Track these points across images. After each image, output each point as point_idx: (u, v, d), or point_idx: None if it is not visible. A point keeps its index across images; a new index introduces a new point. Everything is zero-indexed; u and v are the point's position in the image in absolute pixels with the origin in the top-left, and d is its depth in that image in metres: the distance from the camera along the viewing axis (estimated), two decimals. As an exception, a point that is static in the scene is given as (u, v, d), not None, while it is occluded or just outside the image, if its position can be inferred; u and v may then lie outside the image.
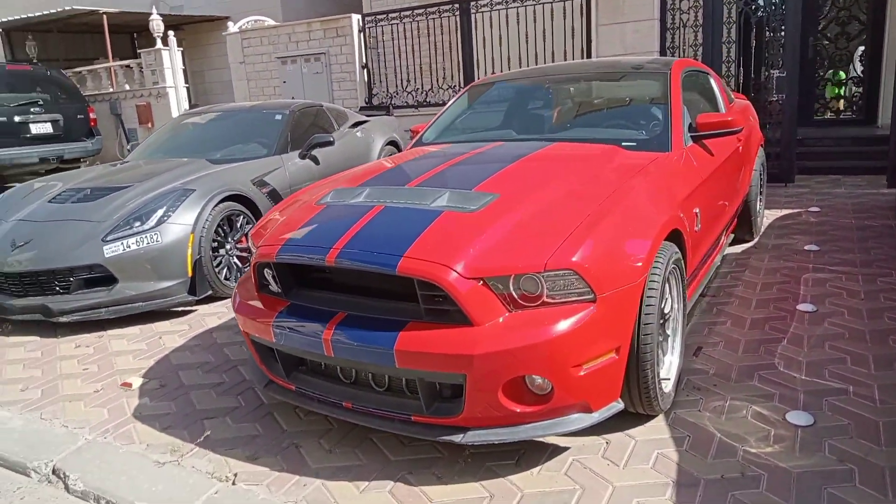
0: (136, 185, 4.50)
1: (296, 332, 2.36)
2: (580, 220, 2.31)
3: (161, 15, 11.35)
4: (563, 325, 2.12)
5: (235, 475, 2.43)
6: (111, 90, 11.75)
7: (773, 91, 6.63)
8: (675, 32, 7.09)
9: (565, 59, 7.65)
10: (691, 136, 3.31)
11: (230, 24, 9.84)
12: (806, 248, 4.62)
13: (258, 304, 2.56)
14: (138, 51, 11.30)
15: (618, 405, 2.34)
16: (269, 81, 9.63)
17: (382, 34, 9.14)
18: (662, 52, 7.19)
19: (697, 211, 3.00)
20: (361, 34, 8.86)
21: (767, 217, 5.54)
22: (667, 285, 2.66)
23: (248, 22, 10.11)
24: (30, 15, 12.29)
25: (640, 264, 2.30)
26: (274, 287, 2.54)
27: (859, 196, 6.15)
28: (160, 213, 4.14)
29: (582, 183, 2.63)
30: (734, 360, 3.03)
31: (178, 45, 10.85)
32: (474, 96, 4.18)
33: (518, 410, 2.17)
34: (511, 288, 2.15)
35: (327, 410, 2.45)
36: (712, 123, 3.28)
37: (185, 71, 13.24)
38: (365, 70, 8.90)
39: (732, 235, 4.57)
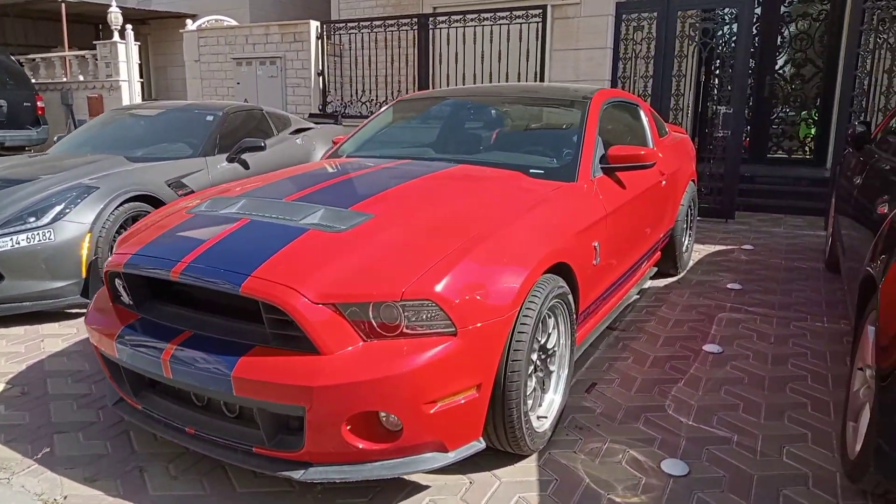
0: (43, 178, 4.28)
1: (137, 349, 2.19)
2: (452, 247, 2.19)
3: (123, 8, 11.10)
4: (416, 360, 1.98)
5: (65, 498, 2.23)
6: (64, 80, 11.42)
7: (720, 127, 6.65)
8: (628, 62, 7.09)
9: (519, 81, 7.61)
10: (602, 168, 3.23)
11: (188, 21, 9.63)
12: (728, 286, 4.57)
13: (109, 315, 2.38)
14: (94, 42, 11.01)
15: (478, 444, 2.21)
16: (223, 82, 9.43)
17: (341, 43, 9.03)
18: (614, 82, 7.19)
19: (597, 244, 2.90)
20: (319, 41, 8.73)
21: (699, 252, 5.51)
22: (550, 320, 2.56)
23: (207, 21, 9.92)
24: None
25: (510, 298, 2.18)
26: (125, 298, 2.36)
27: (796, 236, 6.17)
28: (57, 209, 3.93)
29: (468, 208, 2.51)
30: (625, 399, 2.92)
31: (142, 40, 10.61)
32: (400, 111, 4.06)
33: (363, 448, 2.03)
34: (370, 316, 2.02)
35: (170, 435, 2.27)
36: (623, 157, 3.20)
37: (145, 66, 12.99)
38: (320, 77, 8.76)
39: (655, 269, 4.51)
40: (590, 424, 2.71)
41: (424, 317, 2.03)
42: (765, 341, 3.59)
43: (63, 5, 11.55)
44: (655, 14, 6.79)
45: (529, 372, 2.42)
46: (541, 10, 7.31)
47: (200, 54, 9.53)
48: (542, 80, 7.49)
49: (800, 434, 2.64)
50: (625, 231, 3.36)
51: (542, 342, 2.53)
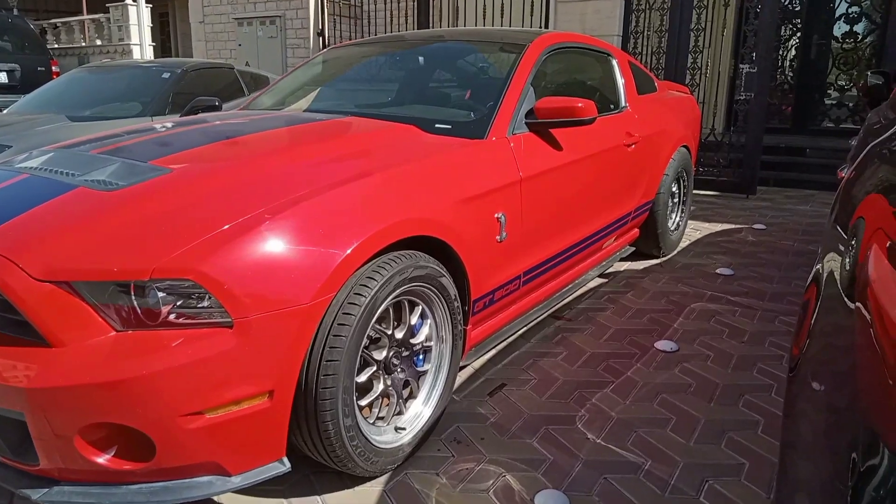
0: (-35, 136, 4.02)
1: None
2: (246, 213, 1.70)
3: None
4: (168, 359, 1.53)
5: None
6: (83, 44, 11.36)
7: (742, 89, 5.84)
8: (641, 14, 6.32)
9: (522, 39, 6.94)
10: (528, 124, 2.66)
11: (195, -20, 9.33)
12: (718, 270, 3.91)
13: None
14: (107, 5, 10.87)
15: (279, 466, 1.74)
16: (225, 44, 9.10)
17: (339, 4, 8.53)
18: (625, 36, 6.44)
19: (501, 216, 2.36)
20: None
21: (699, 231, 4.82)
22: (417, 308, 2.06)
23: (213, -20, 9.59)
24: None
25: (319, 281, 1.68)
26: None
27: (821, 216, 5.37)
28: (-39, 168, 3.64)
29: (304, 167, 2.01)
30: (532, 406, 2.40)
31: (170, 4, 10.39)
32: (330, 61, 3.56)
33: (108, 466, 1.59)
34: (119, 298, 1.57)
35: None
36: (551, 109, 2.62)
37: (172, 31, 12.82)
38: (320, 37, 8.29)
39: (630, 248, 3.89)
40: (473, 438, 2.21)
41: (189, 301, 1.57)
42: (736, 339, 2.97)
43: (81, -32, 11.48)
44: (672, -41, 5.99)
45: (370, 374, 1.93)
46: (546, -41, 6.61)
47: (205, 15, 9.21)
48: (546, 37, 6.81)
49: (734, 465, 2.06)
50: (561, 201, 2.79)
51: (401, 337, 2.03)
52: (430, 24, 7.53)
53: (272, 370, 1.65)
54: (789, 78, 8.43)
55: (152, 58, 10.69)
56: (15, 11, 12.80)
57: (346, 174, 1.96)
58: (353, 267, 1.76)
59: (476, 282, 2.30)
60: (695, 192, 6.27)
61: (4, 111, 5.31)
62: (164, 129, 2.62)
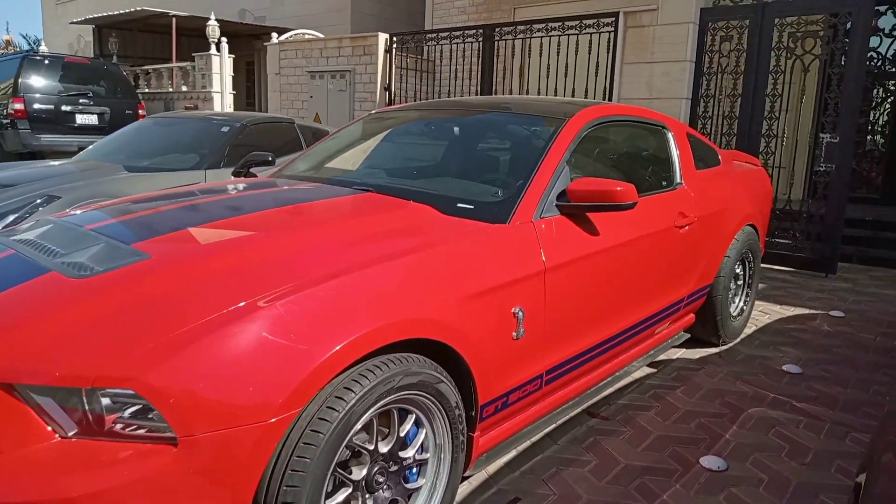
0: (24, 184, 4.16)
1: None
2: (213, 312, 1.55)
3: (226, 22, 11.48)
4: (113, 476, 1.38)
5: None
6: (170, 90, 12.02)
7: (822, 160, 5.39)
8: (712, 78, 6.00)
9: (586, 98, 6.73)
10: (560, 207, 2.43)
11: (273, 35, 9.71)
12: (785, 367, 3.48)
13: None
14: (192, 54, 11.50)
15: None
16: (298, 95, 9.35)
17: (429, 57, 8.64)
18: (695, 99, 6.12)
19: (519, 311, 2.12)
20: (388, 54, 8.36)
21: (768, 315, 4.37)
22: (410, 417, 1.85)
23: (291, 35, 9.95)
24: (105, 14, 12.92)
25: (283, 393, 1.50)
26: None
27: (914, 303, 4.80)
28: (11, 217, 3.74)
29: (292, 255, 1.85)
30: (543, 532, 2.10)
31: (257, 54, 10.84)
32: (369, 127, 3.47)
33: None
34: (67, 400, 1.44)
35: None
36: (586, 193, 2.38)
37: (257, 78, 13.40)
38: (387, 92, 8.38)
39: (683, 335, 3.53)
40: (468, 567, 1.93)
41: (133, 412, 1.43)
42: (797, 459, 2.56)
43: (174, 19, 12.22)
44: (747, 22, 5.67)
45: (346, 495, 1.71)
46: (613, 19, 6.41)
47: (281, 67, 9.54)
48: (610, 98, 6.57)
49: None
50: (595, 290, 2.52)
51: (387, 450, 1.81)
52: (494, 83, 7.47)
53: (222, 496, 1.46)
54: (880, 144, 7.81)
55: (231, 105, 11.15)
56: (114, 59, 13.79)
57: (340, 265, 1.78)
58: (327, 376, 1.57)
59: (485, 385, 2.05)
60: (768, 267, 5.78)
61: (73, 159, 5.54)
62: (182, 198, 2.55)
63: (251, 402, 1.47)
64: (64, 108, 10.07)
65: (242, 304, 1.57)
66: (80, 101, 10.24)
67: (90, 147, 5.72)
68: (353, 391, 1.62)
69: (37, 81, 9.79)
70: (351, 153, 3.24)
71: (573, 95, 6.76)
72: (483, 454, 2.22)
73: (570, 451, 2.58)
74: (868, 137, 7.77)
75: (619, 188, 2.36)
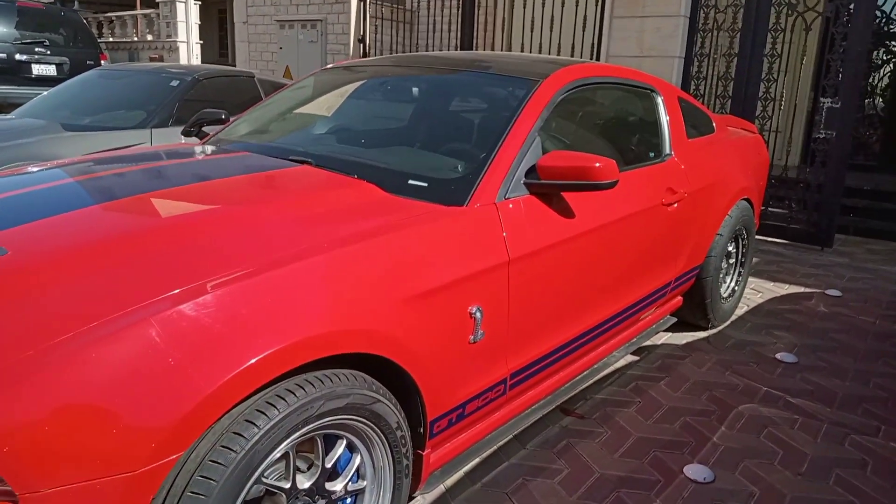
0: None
1: None
2: (73, 329, 1.20)
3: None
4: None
5: None
6: (135, 39, 11.34)
7: (821, 126, 5.04)
8: (707, 35, 5.58)
9: (572, 54, 6.30)
10: (528, 185, 2.07)
11: (242, -20, 9.07)
12: (778, 355, 3.20)
13: None
14: (157, 0, 10.80)
15: None
16: (267, 46, 8.79)
17: (382, 7, 8.09)
18: (688, 58, 5.71)
19: (476, 310, 1.78)
20: (362, 3, 7.81)
21: (760, 293, 4.09)
22: (345, 442, 1.53)
23: (260, -20, 9.31)
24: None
25: (157, 436, 1.16)
26: None
27: (912, 281, 4.53)
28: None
29: (186, 250, 1.48)
30: (502, 565, 1.81)
31: (228, 2, 10.20)
32: (321, 84, 3.05)
33: None
34: None
35: None
36: (559, 169, 2.02)
37: (230, 28, 12.70)
38: (361, 44, 7.86)
39: (670, 319, 3.23)
40: None
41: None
42: (791, 468, 2.29)
43: (138, -37, 11.48)
44: (748, -27, 5.23)
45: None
46: (603, -32, 5.94)
47: (248, 15, 8.94)
48: (598, 55, 6.13)
49: None
50: (568, 281, 2.18)
51: (309, 485, 1.49)
52: (475, 36, 6.98)
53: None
54: (879, 109, 7.46)
55: (199, 56, 10.54)
56: (75, 5, 12.97)
57: (244, 264, 1.42)
58: (218, 410, 1.23)
59: (435, 398, 1.73)
60: (761, 238, 5.49)
61: (13, 113, 5.06)
62: (92, 169, 2.16)
63: (113, 448, 1.14)
64: (18, 57, 9.40)
65: (105, 319, 1.22)
66: (36, 49, 9.57)
67: (31, 101, 5.23)
68: (255, 425, 1.29)
69: (-10, 28, 9.12)
70: (298, 114, 2.83)
71: (559, 51, 6.32)
72: (436, 470, 1.92)
73: (540, 458, 2.29)
74: (867, 101, 7.42)
75: (597, 164, 2.00)
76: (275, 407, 1.32)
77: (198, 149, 2.51)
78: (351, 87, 2.91)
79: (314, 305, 1.41)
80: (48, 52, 9.69)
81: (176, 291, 1.29)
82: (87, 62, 10.11)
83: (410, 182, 2.02)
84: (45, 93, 5.32)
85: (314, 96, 2.93)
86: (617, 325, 2.62)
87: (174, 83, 4.78)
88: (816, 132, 5.09)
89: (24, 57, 9.47)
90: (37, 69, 9.59)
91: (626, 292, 2.59)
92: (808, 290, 4.22)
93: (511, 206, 1.99)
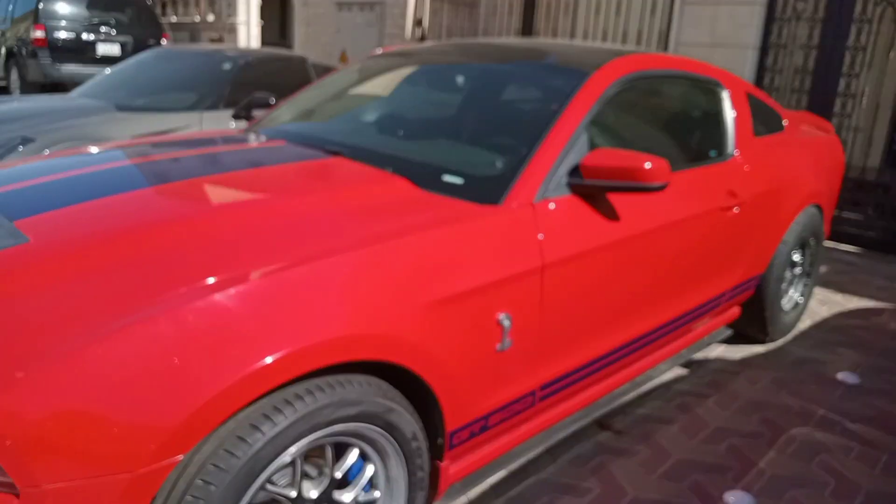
0: (9, 121, 3.84)
1: None
2: (86, 323, 1.17)
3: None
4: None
5: None
6: (197, 20, 11.56)
7: (906, 124, 4.64)
8: (785, 25, 5.22)
9: (638, 41, 6.02)
10: (572, 186, 1.93)
11: (305, -38, 9.08)
12: (839, 375, 2.96)
13: None
14: (222, -19, 10.96)
15: None
16: (325, 28, 8.78)
17: None
18: (763, 49, 5.36)
19: (505, 317, 1.68)
20: (423, -15, 7.70)
21: (826, 306, 3.80)
22: (358, 450, 1.46)
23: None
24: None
25: (159, 436, 1.12)
26: None
27: None
28: (-14, 158, 3.44)
29: (206, 245, 1.43)
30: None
31: None
32: (368, 71, 2.97)
33: None
34: None
35: None
36: (602, 169, 1.88)
37: (287, 7, 12.80)
38: (419, 28, 7.75)
39: (725, 330, 3.03)
40: None
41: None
42: (843, 501, 2.10)
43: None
44: (833, -42, 4.85)
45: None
46: (674, -49, 5.62)
47: (309, -2, 8.96)
48: (666, 43, 5.83)
49: None
50: (608, 288, 2.04)
51: (317, 496, 1.43)
52: (535, 21, 6.77)
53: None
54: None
55: (258, 37, 10.65)
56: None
57: (262, 261, 1.36)
58: (225, 412, 1.18)
59: (456, 409, 1.64)
60: (832, 246, 5.13)
61: (73, 93, 5.20)
62: (137, 154, 2.15)
63: (115, 447, 1.10)
64: (85, 36, 9.71)
65: (112, 315, 1.18)
66: (102, 29, 9.86)
67: (90, 81, 5.37)
68: (260, 431, 1.23)
69: (59, 8, 9.43)
70: (341, 102, 2.76)
71: (625, 38, 6.05)
72: (456, 482, 1.84)
73: (571, 475, 2.16)
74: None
75: (647, 164, 1.85)
76: (282, 412, 1.25)
77: (233, 136, 2.47)
78: (397, 75, 2.82)
79: (329, 308, 1.34)
80: (113, 32, 9.98)
81: (185, 289, 1.24)
82: (150, 41, 10.37)
83: (445, 178, 1.92)
84: (105, 72, 5.45)
85: (359, 83, 2.85)
86: (663, 336, 2.46)
87: (226, 66, 4.80)
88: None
89: (90, 37, 9.78)
90: (102, 48, 9.90)
91: (674, 302, 2.43)
92: (879, 304, 3.90)
93: (550, 206, 1.86)
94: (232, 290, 1.25)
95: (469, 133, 2.29)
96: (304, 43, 9.00)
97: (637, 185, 1.86)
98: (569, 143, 1.97)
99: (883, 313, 3.76)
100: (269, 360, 1.21)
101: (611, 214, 2.01)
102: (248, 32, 10.24)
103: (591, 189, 1.93)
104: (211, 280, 1.27)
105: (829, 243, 5.12)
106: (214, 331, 1.20)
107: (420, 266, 1.52)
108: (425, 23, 7.69)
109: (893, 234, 4.84)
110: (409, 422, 1.51)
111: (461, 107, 2.43)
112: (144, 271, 1.30)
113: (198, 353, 1.17)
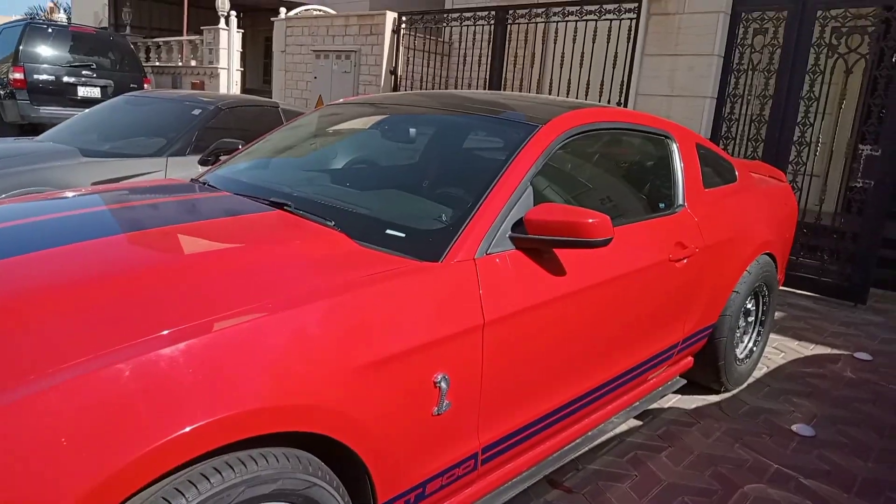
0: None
1: None
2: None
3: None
4: None
5: None
6: (179, 64, 11.66)
7: (859, 174, 4.78)
8: (742, 76, 5.38)
9: (601, 92, 6.16)
10: (515, 240, 1.94)
11: (282, 10, 9.24)
12: (795, 427, 2.96)
13: None
14: (201, 27, 11.10)
15: None
16: (302, 75, 8.90)
17: (450, 40, 8.13)
18: (721, 99, 5.51)
19: (442, 379, 1.65)
20: (395, 35, 7.84)
21: (784, 353, 3.83)
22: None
23: (300, 10, 9.47)
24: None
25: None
26: None
27: (956, 345, 4.19)
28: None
29: (115, 309, 1.39)
30: None
31: (260, 27, 10.46)
32: (325, 121, 3.00)
33: None
34: None
35: None
36: (545, 224, 1.89)
37: (270, 53, 13.00)
38: (393, 76, 7.88)
39: (679, 380, 3.02)
40: None
41: None
42: (799, 565, 2.07)
43: (186, -9, 11.86)
44: (785, 13, 5.04)
45: None
46: (636, 4, 5.81)
47: (286, 45, 9.09)
48: (627, 93, 5.98)
49: None
50: (554, 345, 2.04)
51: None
52: (504, 71, 6.92)
53: None
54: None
55: (239, 82, 10.76)
56: (127, 29, 13.48)
57: (175, 324, 1.32)
58: (116, 497, 1.12)
59: (388, 479, 1.59)
60: (788, 291, 5.20)
61: (41, 137, 5.18)
62: (70, 207, 2.12)
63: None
64: (66, 79, 9.75)
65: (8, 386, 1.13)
66: (83, 72, 9.91)
67: (60, 125, 5.36)
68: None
69: (39, 51, 9.48)
70: (294, 151, 2.78)
71: (588, 88, 6.19)
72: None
73: (517, 536, 2.12)
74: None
75: (590, 220, 1.86)
76: (183, 496, 1.19)
77: (176, 187, 2.46)
78: (352, 125, 2.84)
79: (246, 377, 1.30)
80: (94, 75, 10.03)
81: (85, 359, 1.20)
82: (132, 85, 10.43)
83: (388, 232, 1.91)
84: (75, 117, 5.45)
85: (315, 133, 2.87)
86: (615, 389, 2.45)
87: (196, 111, 4.82)
88: (854, 180, 4.82)
89: (71, 79, 9.83)
90: (82, 91, 9.93)
91: (625, 355, 2.42)
92: (835, 351, 3.94)
93: (493, 262, 1.86)
94: (134, 360, 1.20)
95: (416, 185, 2.30)
96: (283, 89, 9.10)
97: (580, 241, 1.87)
98: (513, 197, 1.99)
99: (839, 361, 3.79)
100: (169, 437, 1.15)
101: (556, 269, 2.02)
102: (230, 78, 10.34)
103: (534, 243, 1.94)
104: (113, 348, 1.23)
105: (785, 289, 5.19)
106: (108, 406, 1.13)
107: (350, 328, 1.50)
108: (399, 71, 7.82)
109: (849, 279, 4.92)
110: (332, 497, 1.46)
111: (411, 158, 2.46)
112: (45, 337, 1.26)
113: (89, 433, 1.11)
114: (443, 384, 1.66)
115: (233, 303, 1.42)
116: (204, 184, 2.49)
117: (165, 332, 1.28)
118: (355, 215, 2.01)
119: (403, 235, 1.89)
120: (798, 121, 5.07)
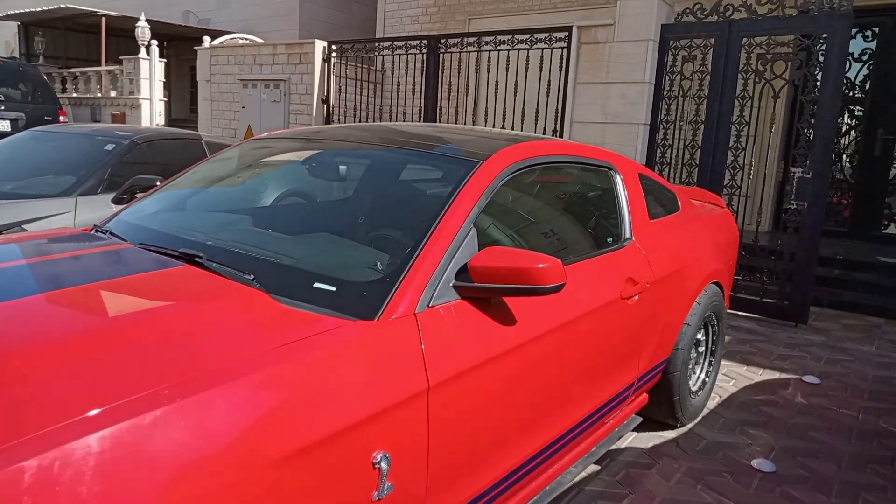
0: None
1: None
2: None
3: (163, 23, 10.59)
4: None
5: None
6: (98, 95, 11.07)
7: (793, 196, 4.85)
8: (673, 102, 5.44)
9: (536, 120, 6.13)
10: (459, 288, 1.75)
11: (206, 39, 8.90)
12: (754, 463, 2.86)
13: None
14: (120, 57, 10.59)
15: None
16: (230, 105, 8.56)
17: (382, 69, 7.97)
18: (653, 126, 5.55)
19: (382, 458, 1.43)
20: (326, 64, 7.64)
21: (734, 381, 3.77)
22: None
23: (225, 39, 9.16)
24: (30, 10, 11.90)
25: None
26: None
27: (892, 366, 4.25)
28: None
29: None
30: None
31: (185, 56, 10.01)
32: (246, 157, 2.75)
33: None
34: None
35: None
36: (492, 271, 1.71)
37: (196, 82, 12.55)
38: (324, 104, 7.65)
39: (635, 418, 2.88)
40: None
41: None
42: None
43: (103, 19, 11.29)
44: (712, 41, 5.13)
45: None
46: (566, 34, 5.82)
47: (212, 74, 8.74)
48: (562, 121, 5.96)
49: None
50: (508, 403, 1.84)
51: None
52: (439, 99, 6.82)
53: None
54: (848, 174, 7.38)
55: (162, 113, 10.28)
56: (41, 59, 12.77)
57: (42, 423, 1.06)
58: None
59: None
60: (732, 313, 5.22)
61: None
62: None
63: None
64: (-30, 112, 9.09)
65: None
66: (-10, 105, 9.28)
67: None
68: None
69: (-59, 82, 8.82)
70: (210, 192, 2.51)
71: (523, 116, 6.14)
72: None
73: None
74: (834, 166, 7.33)
75: (539, 264, 1.70)
76: None
77: (68, 237, 2.16)
78: (275, 162, 2.61)
79: (131, 486, 1.05)
80: (2, 108, 9.38)
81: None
82: (45, 118, 9.82)
83: (316, 285, 1.69)
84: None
85: (234, 171, 2.62)
86: (574, 438, 2.28)
87: (109, 146, 4.46)
88: (788, 203, 4.90)
89: (-24, 112, 9.16)
90: (-10, 124, 9.27)
91: (582, 402, 2.26)
92: (783, 375, 3.91)
93: (437, 315, 1.66)
94: (19, 467, 0.95)
95: (346, 230, 2.09)
96: (210, 119, 8.71)
97: (530, 288, 1.69)
98: (457, 240, 1.80)
99: (788, 386, 3.76)
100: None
101: (505, 318, 1.84)
102: (152, 108, 9.86)
103: (482, 292, 1.75)
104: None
105: (729, 311, 5.21)
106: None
107: (263, 414, 1.26)
108: (332, 100, 7.61)
109: (789, 299, 4.97)
110: None
111: (341, 199, 2.24)
112: None
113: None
114: (383, 464, 1.43)
115: (120, 391, 1.16)
116: (105, 232, 2.19)
117: (32, 438, 1.02)
118: (278, 267, 1.78)
119: (333, 289, 1.67)
120: (730, 145, 5.14)
